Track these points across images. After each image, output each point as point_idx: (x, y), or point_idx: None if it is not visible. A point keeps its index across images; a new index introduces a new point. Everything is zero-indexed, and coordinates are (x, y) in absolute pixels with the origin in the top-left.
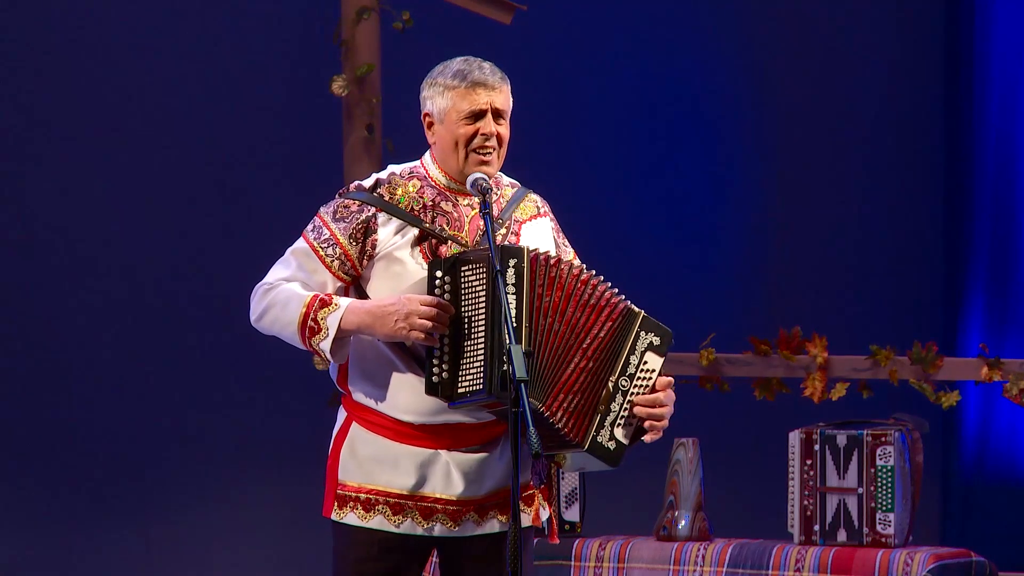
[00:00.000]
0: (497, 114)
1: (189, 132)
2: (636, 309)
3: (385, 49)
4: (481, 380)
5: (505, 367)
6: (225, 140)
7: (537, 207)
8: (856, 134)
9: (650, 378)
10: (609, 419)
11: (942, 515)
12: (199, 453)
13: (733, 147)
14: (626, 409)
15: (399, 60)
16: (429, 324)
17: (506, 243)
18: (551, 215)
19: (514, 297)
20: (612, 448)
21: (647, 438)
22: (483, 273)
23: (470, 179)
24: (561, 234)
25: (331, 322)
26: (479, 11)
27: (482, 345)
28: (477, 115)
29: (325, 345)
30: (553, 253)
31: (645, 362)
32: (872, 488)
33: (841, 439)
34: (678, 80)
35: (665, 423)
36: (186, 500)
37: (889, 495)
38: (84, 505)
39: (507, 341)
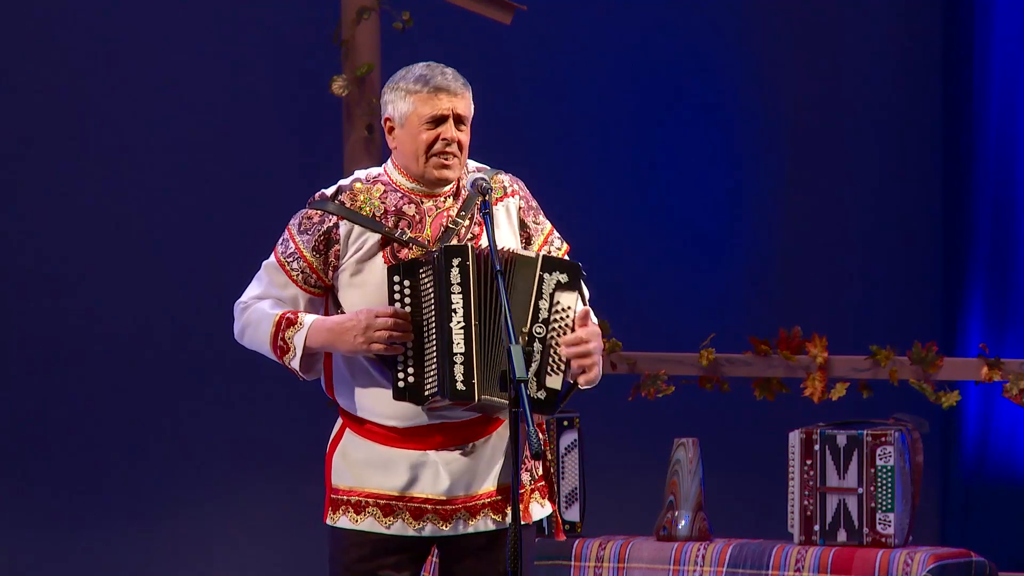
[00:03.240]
0: (458, 120)
1: (189, 133)
2: (532, 255)
3: (385, 49)
4: (436, 383)
5: (456, 367)
6: (225, 140)
7: (504, 188)
8: (856, 134)
9: (568, 317)
10: (531, 370)
11: (942, 515)
12: (199, 454)
13: (733, 148)
14: (552, 355)
15: (399, 60)
16: (386, 335)
17: (454, 241)
18: (521, 192)
19: (460, 296)
20: (543, 397)
21: (581, 380)
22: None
23: (469, 180)
24: (533, 211)
25: (297, 341)
26: (479, 11)
27: (435, 348)
28: (438, 120)
29: (295, 364)
30: (506, 240)
31: (557, 303)
32: (872, 488)
33: (841, 439)
34: (679, 80)
35: (594, 359)
36: (186, 500)
37: (889, 495)
38: (84, 505)
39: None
